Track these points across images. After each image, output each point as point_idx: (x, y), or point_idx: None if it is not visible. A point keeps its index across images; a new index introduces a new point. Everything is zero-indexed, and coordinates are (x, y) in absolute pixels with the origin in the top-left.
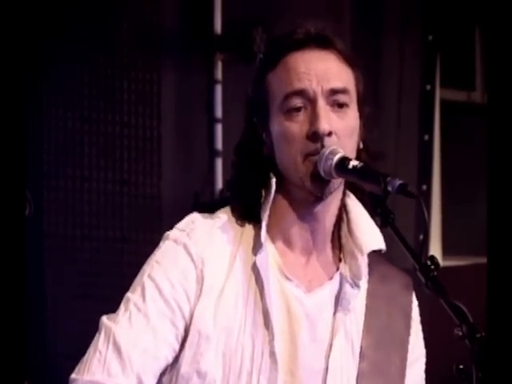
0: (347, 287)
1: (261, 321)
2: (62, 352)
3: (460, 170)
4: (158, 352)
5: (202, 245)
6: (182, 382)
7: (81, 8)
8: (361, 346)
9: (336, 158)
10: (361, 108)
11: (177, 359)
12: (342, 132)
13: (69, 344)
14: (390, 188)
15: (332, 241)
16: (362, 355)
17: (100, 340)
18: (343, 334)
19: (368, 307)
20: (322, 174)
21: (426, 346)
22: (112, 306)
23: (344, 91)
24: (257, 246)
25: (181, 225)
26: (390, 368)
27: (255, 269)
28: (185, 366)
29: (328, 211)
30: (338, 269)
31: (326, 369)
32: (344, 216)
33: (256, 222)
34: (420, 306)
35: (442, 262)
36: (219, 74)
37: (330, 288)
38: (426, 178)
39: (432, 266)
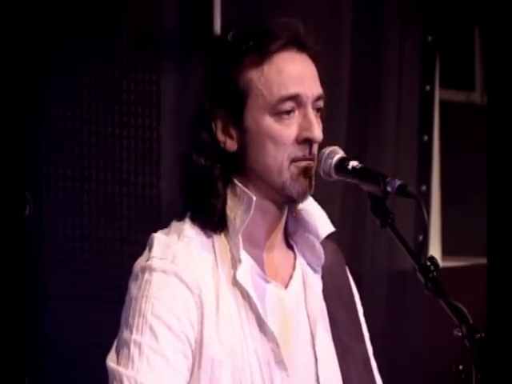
0: (310, 273)
1: (257, 331)
2: (62, 352)
3: (460, 171)
4: None
5: (190, 269)
6: None
7: (80, 8)
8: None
9: (336, 158)
10: None
11: None
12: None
13: (68, 344)
14: (389, 189)
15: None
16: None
17: None
18: (319, 320)
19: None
20: (322, 174)
21: (426, 346)
22: (111, 307)
23: (323, 97)
24: (234, 260)
25: (157, 252)
26: (354, 345)
27: (238, 282)
28: None
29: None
30: (294, 256)
31: (316, 360)
32: None
33: (222, 229)
34: (420, 306)
35: (441, 263)
36: None
37: (297, 277)
38: (426, 179)
39: (432, 267)
